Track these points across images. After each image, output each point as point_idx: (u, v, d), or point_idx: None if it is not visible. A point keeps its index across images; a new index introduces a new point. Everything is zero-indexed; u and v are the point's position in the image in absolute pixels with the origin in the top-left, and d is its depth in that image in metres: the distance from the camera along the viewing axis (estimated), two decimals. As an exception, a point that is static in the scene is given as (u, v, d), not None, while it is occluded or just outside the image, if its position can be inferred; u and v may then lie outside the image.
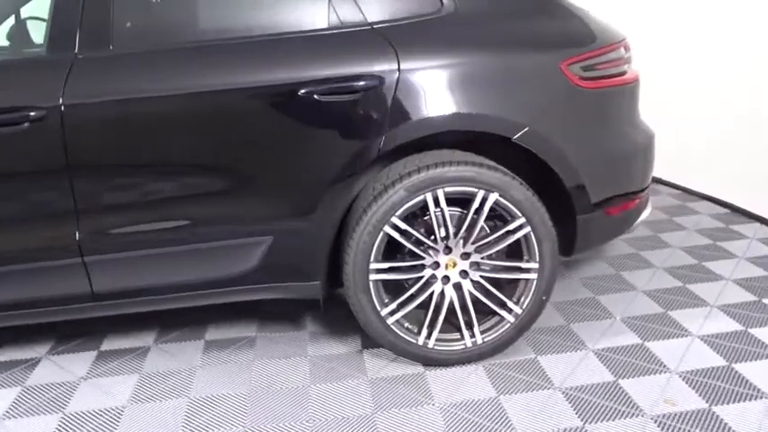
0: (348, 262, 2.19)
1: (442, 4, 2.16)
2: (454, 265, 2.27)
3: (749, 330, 2.46)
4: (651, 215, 2.85)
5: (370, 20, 2.12)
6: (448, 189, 2.15)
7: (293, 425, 2.06)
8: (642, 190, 2.47)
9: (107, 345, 2.57)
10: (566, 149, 2.17)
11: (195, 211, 2.14)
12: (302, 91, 2.04)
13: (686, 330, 2.49)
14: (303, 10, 2.15)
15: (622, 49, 2.35)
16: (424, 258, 2.24)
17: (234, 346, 2.53)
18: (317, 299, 2.31)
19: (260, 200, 2.15)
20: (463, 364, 2.35)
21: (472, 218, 2.20)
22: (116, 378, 2.34)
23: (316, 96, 2.05)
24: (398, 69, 2.07)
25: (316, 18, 2.14)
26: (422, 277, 2.26)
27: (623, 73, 2.34)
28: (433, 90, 2.11)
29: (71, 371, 2.40)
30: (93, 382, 2.32)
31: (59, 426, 2.10)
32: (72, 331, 2.64)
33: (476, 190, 2.17)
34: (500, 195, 2.17)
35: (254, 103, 2.07)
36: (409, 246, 2.21)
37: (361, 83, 2.06)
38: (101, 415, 2.14)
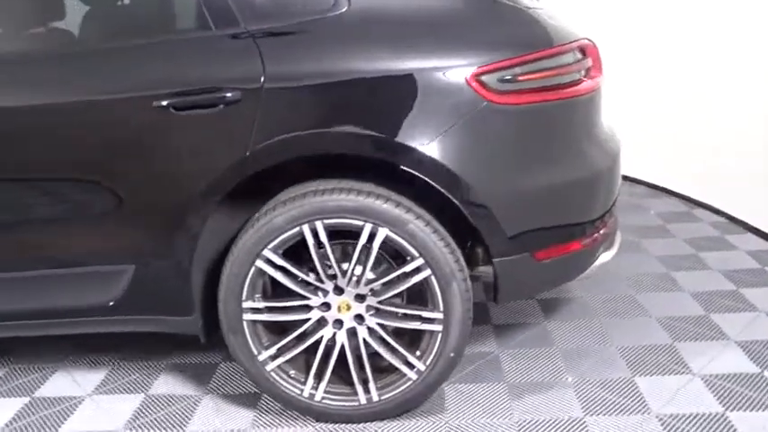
0: (219, 299, 1.92)
1: (334, 2, 1.82)
2: (348, 308, 1.94)
3: None
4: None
5: (243, 22, 1.82)
6: (329, 221, 1.83)
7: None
8: (590, 226, 2.00)
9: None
10: (469, 179, 1.77)
11: (48, 234, 1.96)
12: (155, 104, 1.79)
13: None
14: (170, 13, 1.90)
15: (572, 54, 1.89)
16: (309, 299, 1.93)
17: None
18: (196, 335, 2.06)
19: (117, 224, 1.92)
20: (358, 422, 2.02)
21: (359, 256, 1.86)
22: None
23: (171, 110, 1.79)
24: (263, 79, 1.77)
25: (184, 21, 1.88)
26: (308, 320, 1.96)
27: (571, 83, 1.89)
28: (306, 105, 1.79)
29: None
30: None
31: None
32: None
33: (361, 223, 1.82)
34: (391, 230, 1.81)
35: (105, 117, 1.84)
36: (288, 284, 1.90)
37: (220, 95, 1.77)
38: None
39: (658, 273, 2.91)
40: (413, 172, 1.77)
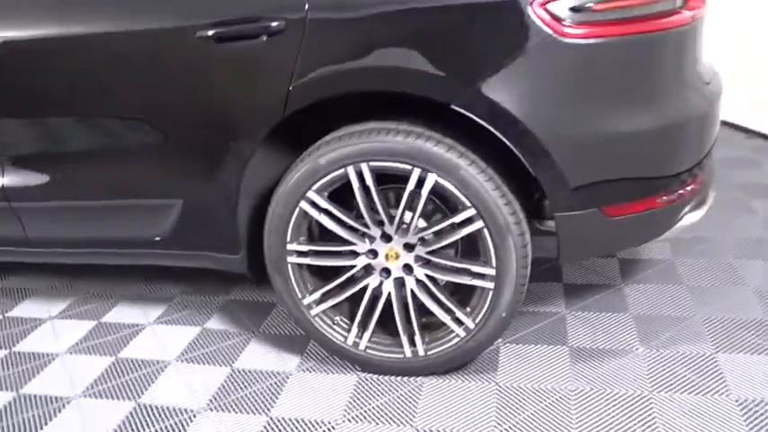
0: (264, 239, 1.87)
1: None
2: (396, 256, 1.83)
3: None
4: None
5: None
6: (375, 164, 1.70)
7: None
8: (674, 180, 1.74)
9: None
10: (528, 122, 1.57)
11: (102, 166, 1.97)
12: (199, 34, 1.71)
13: None
14: None
15: None
16: (355, 245, 1.83)
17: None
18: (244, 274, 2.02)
19: (164, 158, 1.89)
20: (405, 376, 1.93)
21: (407, 202, 1.73)
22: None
23: (213, 41, 1.70)
24: (307, 8, 1.63)
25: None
26: (354, 267, 1.87)
27: (661, 14, 1.61)
28: (351, 38, 1.63)
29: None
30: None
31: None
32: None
33: (409, 167, 1.68)
34: (440, 177, 1.67)
35: (149, 48, 1.78)
36: (333, 228, 1.81)
37: (263, 24, 1.66)
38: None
39: (765, 238, 2.57)
40: (464, 112, 1.60)
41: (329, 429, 1.76)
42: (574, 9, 1.52)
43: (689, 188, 1.79)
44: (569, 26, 1.52)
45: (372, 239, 1.82)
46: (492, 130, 1.60)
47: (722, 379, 1.80)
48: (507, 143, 1.61)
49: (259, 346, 2.14)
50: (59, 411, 1.93)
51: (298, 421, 1.80)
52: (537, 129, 1.57)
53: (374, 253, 1.83)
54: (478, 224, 1.68)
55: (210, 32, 1.69)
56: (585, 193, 1.65)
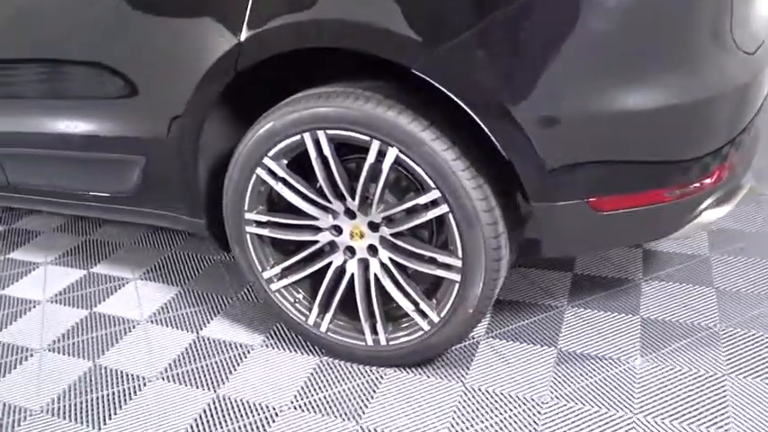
0: (223, 205, 1.73)
1: None
2: (361, 235, 1.64)
3: None
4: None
5: None
6: (331, 132, 1.50)
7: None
8: (694, 166, 1.42)
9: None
10: (498, 93, 1.31)
11: (62, 115, 1.87)
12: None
13: None
14: None
15: None
16: (316, 219, 1.66)
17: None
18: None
19: (123, 111, 1.76)
20: (367, 365, 1.77)
21: (367, 176, 1.53)
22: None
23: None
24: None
25: None
26: (316, 242, 1.70)
27: None
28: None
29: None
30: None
31: None
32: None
33: (367, 138, 1.48)
34: (401, 152, 1.45)
35: None
36: (291, 198, 1.64)
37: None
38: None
39: None
40: (427, 78, 1.36)
41: (271, 416, 1.64)
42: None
43: (713, 177, 1.48)
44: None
45: (336, 215, 1.64)
46: (454, 98, 1.36)
47: (725, 409, 1.53)
48: (472, 115, 1.37)
49: (232, 315, 2.04)
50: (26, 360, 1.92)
51: (242, 403, 1.68)
52: (508, 100, 1.31)
53: (338, 229, 1.65)
54: (443, 208, 1.47)
55: None
56: (566, 179, 1.39)
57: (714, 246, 2.10)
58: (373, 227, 1.61)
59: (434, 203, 1.48)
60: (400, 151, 1.44)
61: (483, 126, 1.36)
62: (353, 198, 1.58)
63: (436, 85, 1.36)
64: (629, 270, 2.06)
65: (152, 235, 2.56)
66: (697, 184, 1.45)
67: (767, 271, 1.96)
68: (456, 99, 1.35)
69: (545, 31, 1.28)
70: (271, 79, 1.63)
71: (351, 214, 1.62)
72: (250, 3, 1.46)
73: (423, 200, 1.49)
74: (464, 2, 1.30)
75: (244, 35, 1.48)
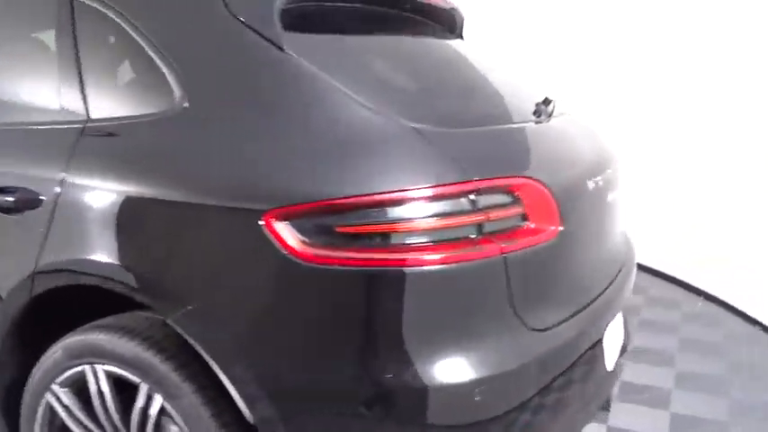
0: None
1: (174, 99, 1.45)
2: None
3: None
4: None
5: (92, 115, 1.54)
6: (107, 367, 1.45)
7: None
8: None
9: None
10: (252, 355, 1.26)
11: None
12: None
13: None
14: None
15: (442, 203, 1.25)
16: (103, 451, 1.55)
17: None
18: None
19: None
20: None
21: (139, 420, 1.43)
22: None
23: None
24: (62, 183, 1.47)
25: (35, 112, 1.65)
26: (104, 478, 1.57)
27: (432, 245, 1.23)
28: (99, 223, 1.43)
29: None
30: None
31: None
32: None
33: (138, 380, 1.41)
34: (165, 400, 1.37)
35: None
36: (72, 427, 1.54)
37: (17, 196, 1.51)
38: None
39: None
40: (180, 330, 1.32)
41: None
42: (317, 229, 1.23)
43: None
44: (309, 246, 1.23)
45: (124, 453, 1.53)
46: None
47: None
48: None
49: None
50: None
51: None
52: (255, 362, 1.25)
53: (126, 469, 1.54)
54: (207, 466, 1.35)
55: None
56: None
57: None
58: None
59: (198, 460, 1.37)
60: (165, 400, 1.37)
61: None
62: (132, 437, 1.48)
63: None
64: None
65: None
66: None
67: None
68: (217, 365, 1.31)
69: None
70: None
71: (138, 454, 1.51)
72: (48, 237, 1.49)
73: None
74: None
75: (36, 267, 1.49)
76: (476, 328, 1.29)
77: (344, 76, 1.39)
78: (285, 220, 1.23)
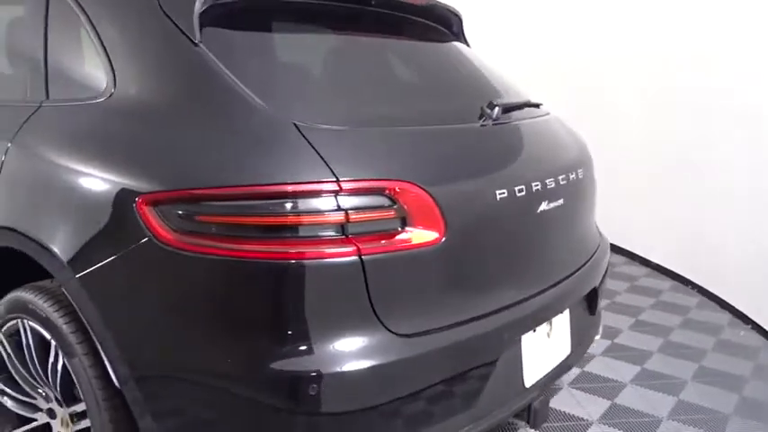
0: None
1: (106, 85, 1.55)
2: (68, 424, 1.68)
3: None
4: None
5: (52, 96, 1.72)
6: (32, 324, 1.61)
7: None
8: None
9: None
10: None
11: None
12: None
13: None
14: None
15: (299, 200, 1.28)
16: (34, 398, 1.73)
17: None
18: None
19: None
20: None
21: (52, 374, 1.60)
22: None
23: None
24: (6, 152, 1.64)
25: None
26: (34, 420, 1.76)
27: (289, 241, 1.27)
28: (25, 191, 1.60)
29: None
30: None
31: None
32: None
33: (49, 338, 1.56)
34: (64, 357, 1.52)
35: None
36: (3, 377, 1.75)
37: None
38: None
39: None
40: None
41: None
42: (182, 214, 1.31)
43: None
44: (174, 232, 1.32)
45: (49, 399, 1.71)
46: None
47: None
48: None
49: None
50: None
51: None
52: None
53: (53, 413, 1.71)
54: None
55: None
56: None
57: None
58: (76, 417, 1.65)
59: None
60: (63, 354, 1.52)
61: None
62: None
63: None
64: None
65: None
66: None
67: None
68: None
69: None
70: None
71: (58, 402, 1.68)
72: None
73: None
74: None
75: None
76: (330, 325, 1.32)
77: (246, 73, 1.45)
78: (155, 204, 1.32)
